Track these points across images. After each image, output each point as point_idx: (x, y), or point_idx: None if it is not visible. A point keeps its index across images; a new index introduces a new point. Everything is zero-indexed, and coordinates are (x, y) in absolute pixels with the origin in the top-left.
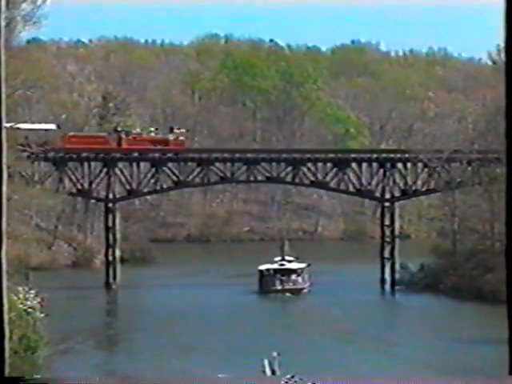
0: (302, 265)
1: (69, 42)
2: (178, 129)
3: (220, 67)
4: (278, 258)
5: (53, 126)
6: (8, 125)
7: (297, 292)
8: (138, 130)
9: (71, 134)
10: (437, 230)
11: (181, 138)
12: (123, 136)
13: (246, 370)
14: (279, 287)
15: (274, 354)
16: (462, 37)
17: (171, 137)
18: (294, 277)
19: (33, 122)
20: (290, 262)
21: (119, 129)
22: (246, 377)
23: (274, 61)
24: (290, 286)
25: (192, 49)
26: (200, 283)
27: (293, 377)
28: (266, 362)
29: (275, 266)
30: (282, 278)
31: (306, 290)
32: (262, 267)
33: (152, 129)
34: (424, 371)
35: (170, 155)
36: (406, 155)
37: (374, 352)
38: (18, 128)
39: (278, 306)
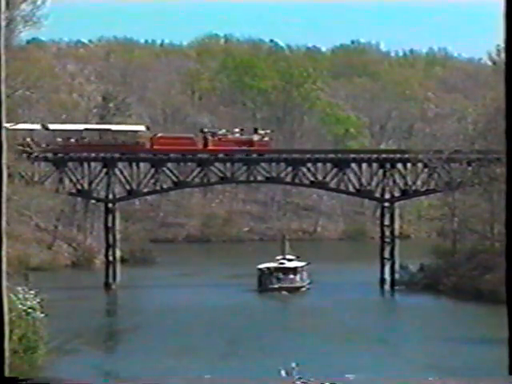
0: (301, 263)
1: (69, 42)
2: (263, 129)
3: (220, 67)
4: (280, 257)
5: (142, 128)
6: (100, 126)
7: (294, 290)
8: (224, 130)
9: (160, 135)
10: (437, 230)
11: (265, 138)
12: (209, 137)
13: (245, 369)
14: (276, 285)
15: (293, 364)
16: (462, 37)
17: (256, 137)
18: (291, 275)
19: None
20: (290, 260)
21: (205, 130)
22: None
23: (274, 61)
24: (287, 284)
25: (192, 49)
26: (200, 283)
27: (300, 378)
28: (282, 372)
29: (274, 264)
30: (280, 276)
31: (304, 289)
32: (261, 266)
33: (237, 129)
34: (424, 371)
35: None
36: (406, 155)
37: (373, 352)
38: (110, 130)
39: (276, 305)
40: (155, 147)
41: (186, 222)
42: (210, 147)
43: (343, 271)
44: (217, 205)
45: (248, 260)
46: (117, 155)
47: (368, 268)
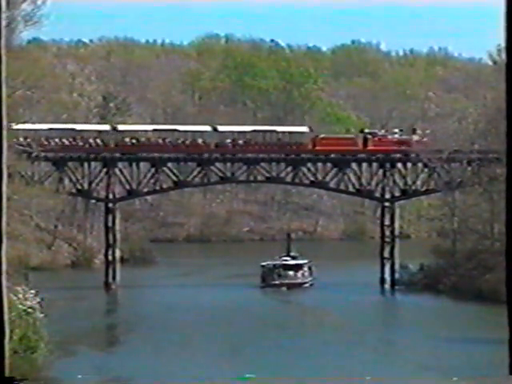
0: (304, 261)
1: (69, 42)
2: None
3: (220, 67)
4: (284, 254)
5: (306, 129)
6: (266, 128)
7: (295, 287)
8: (383, 131)
9: (322, 136)
10: (437, 230)
11: (424, 139)
12: (369, 137)
13: (242, 370)
14: (279, 282)
15: None
16: (462, 37)
17: (415, 138)
18: (292, 272)
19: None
20: (294, 258)
21: (366, 130)
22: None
23: (275, 61)
24: (288, 280)
25: (192, 49)
26: (200, 283)
27: None
28: None
29: (278, 261)
30: (281, 273)
31: (307, 285)
32: (265, 263)
33: (396, 130)
34: (424, 371)
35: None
36: (406, 155)
37: (373, 352)
38: (275, 131)
39: (278, 302)
40: (317, 148)
41: (186, 222)
42: (370, 147)
43: (343, 271)
44: (217, 205)
45: (248, 259)
46: (117, 155)
47: (368, 268)
